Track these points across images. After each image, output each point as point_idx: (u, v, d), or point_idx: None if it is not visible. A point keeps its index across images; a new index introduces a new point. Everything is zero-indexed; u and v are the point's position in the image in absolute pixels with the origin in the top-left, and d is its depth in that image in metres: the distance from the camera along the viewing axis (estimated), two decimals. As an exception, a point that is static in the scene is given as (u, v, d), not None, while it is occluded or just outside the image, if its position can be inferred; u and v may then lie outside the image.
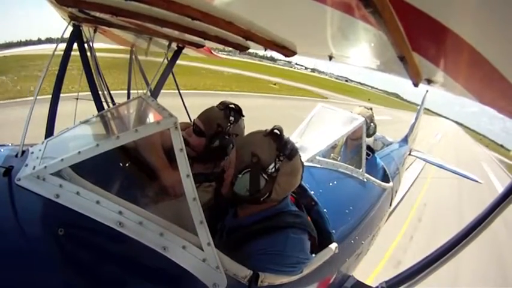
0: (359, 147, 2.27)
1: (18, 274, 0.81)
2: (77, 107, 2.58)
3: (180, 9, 1.10)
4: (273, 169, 1.06)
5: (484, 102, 1.12)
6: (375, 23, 0.71)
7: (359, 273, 1.98)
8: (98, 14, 1.64)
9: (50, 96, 1.78)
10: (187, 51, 2.66)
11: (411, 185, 7.84)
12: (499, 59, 0.70)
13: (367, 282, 1.73)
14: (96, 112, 2.11)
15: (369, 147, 2.46)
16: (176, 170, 0.92)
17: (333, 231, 1.51)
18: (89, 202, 0.91)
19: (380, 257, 4.15)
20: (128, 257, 0.92)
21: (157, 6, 1.11)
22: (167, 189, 1.14)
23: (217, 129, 1.44)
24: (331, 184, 1.95)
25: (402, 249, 4.70)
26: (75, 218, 0.89)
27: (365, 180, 2.13)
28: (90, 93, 2.24)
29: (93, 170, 1.04)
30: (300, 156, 1.14)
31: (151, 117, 1.13)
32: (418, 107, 5.51)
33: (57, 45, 1.76)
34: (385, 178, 2.57)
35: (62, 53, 1.87)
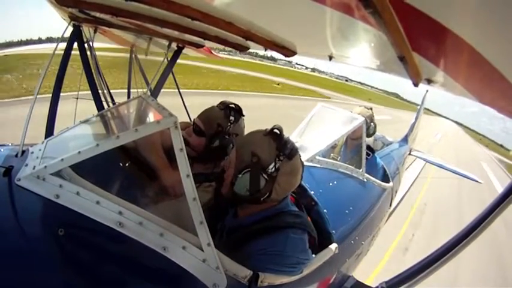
0: (359, 147, 2.27)
1: (18, 274, 0.81)
2: (77, 106, 2.58)
3: (180, 9, 1.10)
4: (273, 169, 1.06)
5: (484, 102, 1.12)
6: (375, 23, 0.71)
7: (359, 273, 1.99)
8: (98, 14, 1.64)
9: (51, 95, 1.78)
10: (187, 51, 2.66)
11: (411, 185, 7.84)
12: (499, 59, 0.70)
13: (367, 283, 1.73)
14: (96, 112, 2.11)
15: (368, 147, 2.46)
16: (176, 170, 0.92)
17: (333, 231, 1.51)
18: (89, 202, 0.91)
19: (380, 257, 4.15)
20: (127, 257, 0.92)
21: (157, 6, 1.11)
22: (167, 189, 1.14)
23: (217, 129, 1.44)
24: (331, 184, 1.95)
25: (402, 249, 4.71)
26: (75, 218, 0.89)
27: (365, 180, 2.13)
28: (90, 92, 2.24)
29: (93, 170, 1.04)
30: (300, 156, 1.14)
31: (151, 117, 1.13)
32: (418, 107, 5.51)
33: (57, 45, 1.76)
34: (385, 178, 2.57)
35: (62, 53, 1.87)
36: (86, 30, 2.30)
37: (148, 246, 0.89)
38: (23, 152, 1.15)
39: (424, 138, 15.86)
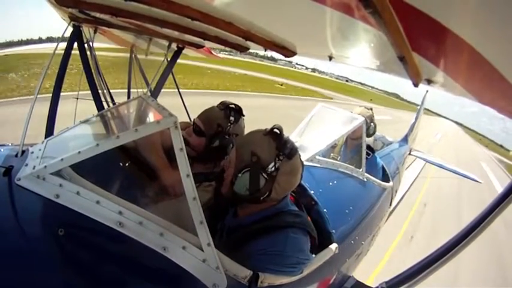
0: (359, 147, 2.27)
1: (18, 274, 0.81)
2: (77, 106, 2.58)
3: (180, 9, 1.10)
4: (273, 168, 1.06)
5: (484, 102, 1.12)
6: (375, 23, 0.71)
7: (359, 273, 1.99)
8: (98, 15, 1.64)
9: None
10: (187, 51, 2.66)
11: (411, 185, 7.85)
12: (499, 59, 0.70)
13: (367, 283, 1.73)
14: (96, 112, 2.11)
15: (368, 147, 2.46)
16: (176, 170, 0.92)
17: (333, 231, 1.50)
18: (89, 202, 0.91)
19: (380, 257, 4.15)
20: (127, 257, 0.92)
21: (157, 6, 1.11)
22: (167, 189, 1.14)
23: (217, 129, 1.44)
24: (331, 184, 1.95)
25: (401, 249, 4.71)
26: (75, 218, 0.89)
27: (365, 180, 2.13)
28: (90, 92, 2.25)
29: (93, 169, 1.04)
30: (300, 156, 1.14)
31: (151, 117, 1.13)
32: (418, 107, 5.51)
33: (57, 45, 1.76)
34: (385, 178, 2.57)
35: (62, 53, 1.87)
36: (86, 30, 2.31)
37: (148, 246, 0.89)
38: (23, 151, 1.15)
39: (424, 138, 15.87)
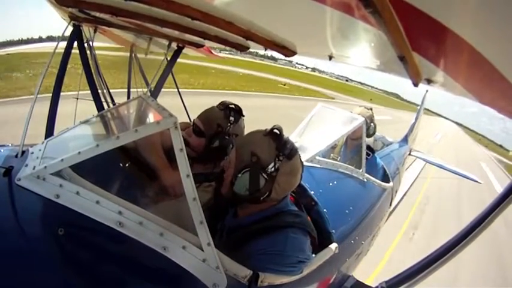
0: (359, 147, 2.27)
1: (18, 274, 0.81)
2: (77, 107, 2.58)
3: (180, 9, 1.10)
4: (273, 168, 1.06)
5: (484, 102, 1.12)
6: (375, 23, 0.71)
7: (359, 273, 1.99)
8: (97, 14, 1.64)
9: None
10: (187, 51, 2.66)
11: (411, 185, 7.85)
12: (499, 59, 0.70)
13: (367, 282, 1.73)
14: (96, 112, 2.11)
15: (368, 147, 2.46)
16: (176, 170, 0.92)
17: (333, 231, 1.50)
18: (89, 202, 0.91)
19: (380, 257, 4.16)
20: (128, 257, 0.92)
21: (157, 6, 1.11)
22: (167, 189, 1.14)
23: (217, 129, 1.44)
24: (331, 184, 1.95)
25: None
26: (75, 218, 0.89)
27: (365, 180, 2.13)
28: (90, 92, 2.24)
29: (93, 170, 1.04)
30: (300, 156, 1.14)
31: (151, 117, 1.13)
32: (418, 107, 5.51)
33: (57, 45, 1.76)
34: (385, 178, 2.57)
35: (62, 52, 1.87)
36: (86, 30, 2.30)
37: (148, 246, 0.89)
38: (23, 152, 1.15)
39: (424, 139, 15.87)
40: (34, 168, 0.98)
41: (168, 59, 2.55)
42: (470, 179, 4.90)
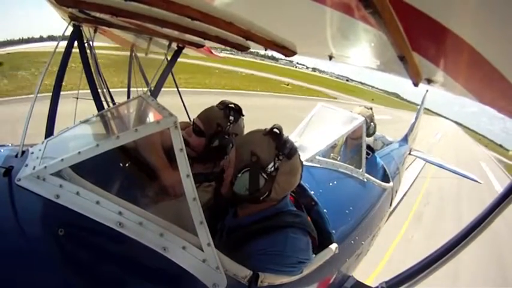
0: (359, 147, 2.27)
1: (18, 274, 0.81)
2: (77, 106, 2.58)
3: (180, 9, 1.10)
4: (272, 168, 1.06)
5: (484, 102, 1.12)
6: (375, 23, 0.71)
7: (359, 273, 1.99)
8: (98, 14, 1.64)
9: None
10: (187, 51, 2.66)
11: (411, 185, 7.85)
12: (499, 59, 0.70)
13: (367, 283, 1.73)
14: (96, 111, 2.11)
15: (368, 147, 2.46)
16: (176, 170, 0.92)
17: (333, 231, 1.50)
18: (89, 202, 0.91)
19: (380, 257, 4.16)
20: (127, 257, 0.92)
21: (157, 6, 1.11)
22: (167, 189, 1.14)
23: (217, 129, 1.44)
24: (331, 184, 1.95)
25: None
26: (75, 218, 0.89)
27: (365, 180, 2.12)
28: (90, 92, 2.24)
29: (93, 170, 1.04)
30: (299, 156, 1.14)
31: (151, 117, 1.13)
32: (418, 107, 5.51)
33: (57, 45, 1.76)
34: (385, 178, 2.57)
35: (63, 52, 1.87)
36: (86, 30, 2.30)
37: (148, 246, 0.89)
38: (23, 152, 1.15)
39: (424, 138, 15.88)
40: (34, 168, 0.98)
41: (168, 59, 2.55)
42: (470, 178, 4.90)
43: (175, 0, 1.06)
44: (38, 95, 1.49)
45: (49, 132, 1.72)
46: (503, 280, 4.55)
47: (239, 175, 1.07)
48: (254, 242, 1.06)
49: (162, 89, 2.35)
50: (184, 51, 2.49)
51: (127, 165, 1.27)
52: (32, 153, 1.12)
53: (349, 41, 1.17)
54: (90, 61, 2.30)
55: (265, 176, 1.06)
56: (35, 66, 11.80)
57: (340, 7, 0.81)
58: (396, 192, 2.92)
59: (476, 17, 0.59)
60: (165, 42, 2.47)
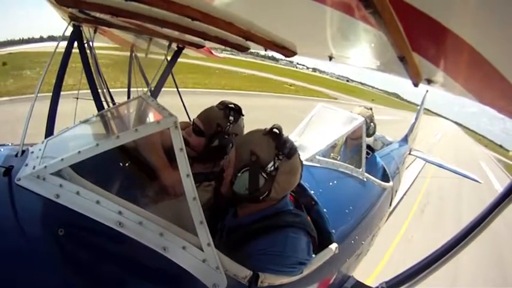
0: (359, 147, 2.27)
1: (18, 274, 0.81)
2: (77, 106, 2.58)
3: (180, 9, 1.10)
4: (272, 168, 1.06)
5: (484, 102, 1.12)
6: (375, 23, 0.71)
7: (359, 272, 1.99)
8: (98, 15, 1.64)
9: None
10: (187, 51, 2.66)
11: (411, 184, 7.85)
12: (499, 59, 0.70)
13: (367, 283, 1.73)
14: (96, 111, 2.11)
15: (368, 147, 2.46)
16: (176, 170, 0.92)
17: (333, 231, 1.50)
18: (89, 202, 0.91)
19: (380, 257, 4.16)
20: (127, 257, 0.92)
21: (157, 6, 1.11)
22: (167, 189, 1.14)
23: (217, 129, 1.44)
24: (331, 184, 1.95)
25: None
26: (75, 218, 0.89)
27: (365, 179, 2.12)
28: (90, 92, 2.25)
29: (93, 169, 1.04)
30: (299, 155, 1.14)
31: (151, 117, 1.13)
32: (418, 107, 5.51)
33: (57, 45, 1.77)
34: (385, 177, 2.57)
35: (63, 53, 1.87)
36: (86, 30, 2.30)
37: (148, 246, 0.89)
38: (23, 151, 1.15)
39: (424, 138, 15.88)
40: (34, 167, 0.98)
41: (168, 59, 2.55)
42: (470, 178, 4.90)
43: (176, 0, 1.06)
44: (38, 95, 1.49)
45: (49, 132, 1.72)
46: (503, 280, 4.55)
47: (239, 175, 1.07)
48: (254, 242, 1.06)
49: (162, 89, 2.35)
50: (184, 51, 2.49)
51: (127, 165, 1.27)
52: (32, 152, 1.12)
53: (349, 42, 1.18)
54: (90, 61, 2.30)
55: (265, 176, 1.06)
56: (35, 66, 11.81)
57: (340, 7, 0.81)
58: (396, 192, 2.93)
59: (476, 17, 0.59)
60: (165, 42, 2.47)
